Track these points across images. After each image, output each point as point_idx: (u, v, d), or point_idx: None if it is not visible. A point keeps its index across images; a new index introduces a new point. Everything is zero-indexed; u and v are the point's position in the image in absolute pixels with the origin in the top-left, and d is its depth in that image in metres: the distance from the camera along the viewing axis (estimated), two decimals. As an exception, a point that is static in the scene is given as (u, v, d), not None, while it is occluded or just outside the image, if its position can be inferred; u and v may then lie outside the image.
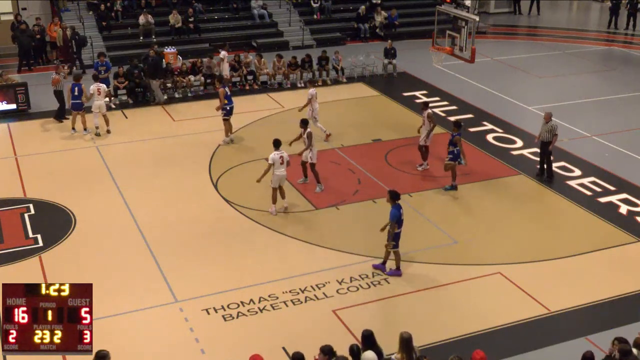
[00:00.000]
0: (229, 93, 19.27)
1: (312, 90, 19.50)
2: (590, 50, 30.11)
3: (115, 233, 15.00)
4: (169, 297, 12.83)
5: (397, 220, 13.07)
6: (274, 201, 15.66)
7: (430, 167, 18.00)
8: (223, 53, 23.30)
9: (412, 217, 15.79)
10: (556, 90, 24.60)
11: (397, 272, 13.53)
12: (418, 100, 22.93)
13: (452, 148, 16.57)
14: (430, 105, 18.88)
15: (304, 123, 16.61)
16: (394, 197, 13.19)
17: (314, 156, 16.54)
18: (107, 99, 20.26)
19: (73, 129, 19.71)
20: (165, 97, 22.42)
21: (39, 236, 14.76)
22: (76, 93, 19.42)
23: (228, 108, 19.06)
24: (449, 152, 16.66)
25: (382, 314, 12.59)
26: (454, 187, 16.91)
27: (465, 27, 18.74)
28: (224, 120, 19.20)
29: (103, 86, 19.85)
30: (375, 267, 13.71)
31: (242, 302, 12.63)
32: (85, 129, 19.70)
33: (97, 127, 19.72)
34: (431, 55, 21.64)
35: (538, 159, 17.93)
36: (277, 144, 15.55)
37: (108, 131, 19.86)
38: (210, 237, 14.89)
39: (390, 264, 13.62)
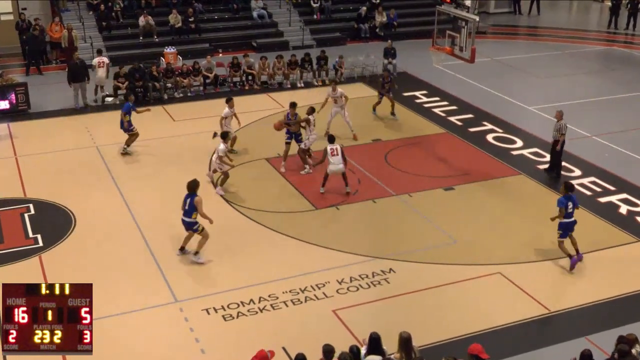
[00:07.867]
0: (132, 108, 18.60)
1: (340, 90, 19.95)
2: (590, 50, 30.13)
3: (115, 233, 15.03)
4: (169, 297, 12.86)
5: (563, 206, 13.46)
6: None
7: (430, 166, 17.99)
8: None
9: (412, 216, 15.85)
10: (556, 90, 24.59)
11: (574, 259, 13.82)
12: (417, 101, 23.01)
13: None
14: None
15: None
16: (567, 187, 13.67)
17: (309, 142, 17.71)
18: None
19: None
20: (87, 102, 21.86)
21: (39, 236, 14.78)
22: (187, 207, 13.93)
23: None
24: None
25: (382, 314, 12.58)
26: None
27: (465, 27, 18.70)
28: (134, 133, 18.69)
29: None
30: (572, 261, 13.79)
31: (242, 302, 12.65)
32: None
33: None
34: (431, 55, 21.59)
35: (549, 157, 18.09)
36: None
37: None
38: (210, 237, 14.88)
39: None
